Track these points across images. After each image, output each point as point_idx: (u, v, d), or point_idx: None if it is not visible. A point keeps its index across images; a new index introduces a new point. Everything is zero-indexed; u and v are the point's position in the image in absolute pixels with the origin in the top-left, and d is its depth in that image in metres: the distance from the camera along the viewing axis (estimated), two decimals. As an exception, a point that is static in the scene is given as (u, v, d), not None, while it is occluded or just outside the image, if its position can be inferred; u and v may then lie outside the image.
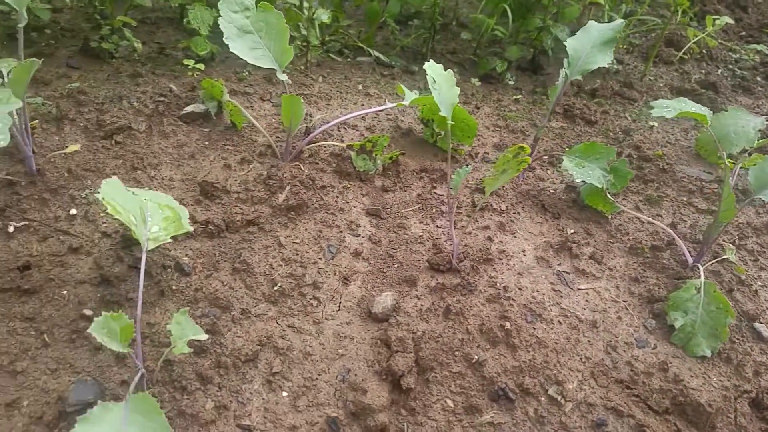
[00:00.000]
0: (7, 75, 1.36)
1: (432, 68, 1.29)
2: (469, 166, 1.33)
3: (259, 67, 1.44)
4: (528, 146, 1.22)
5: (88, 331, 0.92)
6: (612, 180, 1.60)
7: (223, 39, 1.41)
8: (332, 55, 2.31)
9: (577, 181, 1.60)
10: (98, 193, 1.06)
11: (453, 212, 1.37)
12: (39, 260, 1.24)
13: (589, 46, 1.64)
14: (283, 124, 1.50)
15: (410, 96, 1.65)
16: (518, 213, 1.61)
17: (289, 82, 1.61)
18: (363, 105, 1.96)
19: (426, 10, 2.69)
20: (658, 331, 1.33)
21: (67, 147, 1.42)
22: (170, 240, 1.09)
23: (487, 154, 1.84)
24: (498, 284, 1.37)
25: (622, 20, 1.68)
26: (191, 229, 1.14)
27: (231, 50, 1.41)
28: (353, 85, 2.11)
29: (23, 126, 1.31)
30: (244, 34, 1.43)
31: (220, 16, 1.95)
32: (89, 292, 1.21)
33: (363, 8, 2.84)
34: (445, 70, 1.35)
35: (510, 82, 2.41)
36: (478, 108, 2.13)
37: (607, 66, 1.61)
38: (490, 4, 2.68)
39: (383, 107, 1.64)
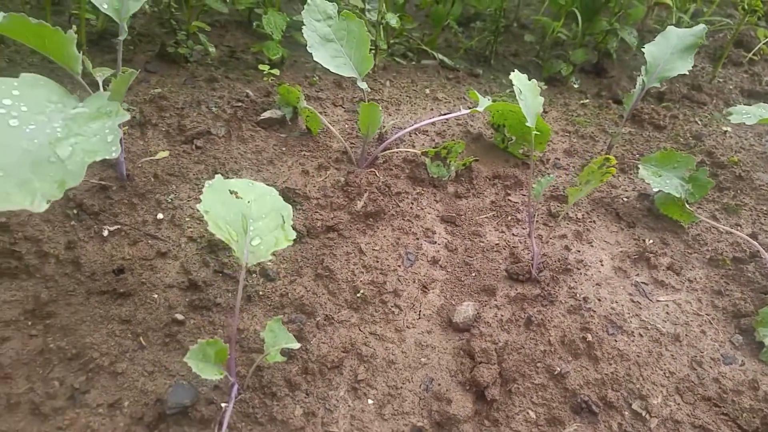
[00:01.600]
0: (103, 84, 1.39)
1: (517, 78, 1.27)
2: (551, 175, 1.30)
3: (329, 71, 1.44)
4: (612, 157, 1.18)
5: (185, 360, 0.94)
6: (691, 190, 1.54)
7: (307, 47, 1.41)
8: (397, 59, 2.30)
9: (652, 189, 1.55)
10: (202, 201, 1.05)
11: (533, 222, 1.34)
12: (131, 264, 1.26)
13: (668, 52, 1.59)
14: (360, 130, 1.49)
15: (484, 102, 1.62)
16: (593, 221, 1.57)
17: (368, 89, 1.59)
18: (432, 110, 1.94)
19: (488, 12, 2.65)
20: (746, 347, 1.28)
21: (156, 153, 1.43)
22: (271, 258, 1.08)
23: (558, 159, 1.81)
24: (578, 295, 1.34)
25: (704, 26, 1.62)
26: (293, 237, 1.10)
27: (315, 59, 1.41)
28: (420, 89, 2.10)
29: (116, 133, 1.33)
30: (327, 42, 1.43)
31: (292, 20, 1.97)
32: (178, 296, 1.23)
33: (426, 11, 2.82)
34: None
35: (575, 86, 2.36)
36: (546, 112, 2.09)
37: (687, 73, 1.56)
38: (553, 5, 2.63)
39: (457, 113, 1.62)
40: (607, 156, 1.18)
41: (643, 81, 1.61)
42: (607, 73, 2.52)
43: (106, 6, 1.16)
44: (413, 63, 2.32)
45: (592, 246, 1.49)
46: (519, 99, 1.25)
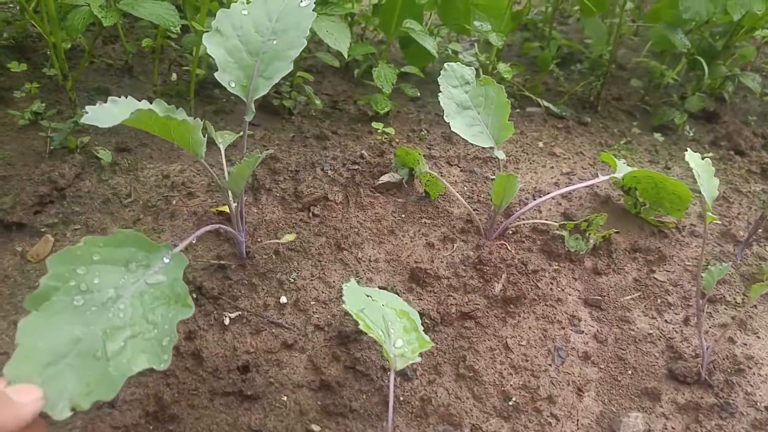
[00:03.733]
0: (224, 151, 1.25)
1: (693, 159, 1.06)
2: (726, 264, 1.08)
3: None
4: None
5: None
6: None
7: (444, 117, 1.23)
8: (504, 108, 2.11)
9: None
10: (344, 302, 0.92)
11: (702, 317, 1.13)
12: (255, 358, 1.10)
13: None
14: (493, 201, 1.30)
15: (623, 169, 1.42)
16: (755, 306, 1.34)
17: (505, 159, 1.41)
18: (552, 168, 1.74)
19: (591, 54, 2.45)
20: None
21: (281, 237, 1.28)
22: (419, 359, 0.92)
23: (694, 226, 1.58)
24: (758, 404, 1.11)
25: None
26: (432, 344, 0.96)
27: (452, 129, 1.24)
28: (532, 141, 1.90)
29: (239, 210, 1.18)
30: (463, 109, 1.25)
31: (401, 72, 1.80)
32: (309, 399, 1.06)
33: (513, 50, 2.63)
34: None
35: (689, 135, 2.12)
36: (669, 168, 1.86)
37: None
38: (658, 47, 2.40)
39: (594, 181, 1.41)
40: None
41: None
42: (719, 118, 2.27)
43: (233, 84, 1.01)
44: (518, 111, 2.13)
45: (759, 337, 1.26)
46: (699, 184, 1.04)
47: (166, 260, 0.80)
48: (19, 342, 0.63)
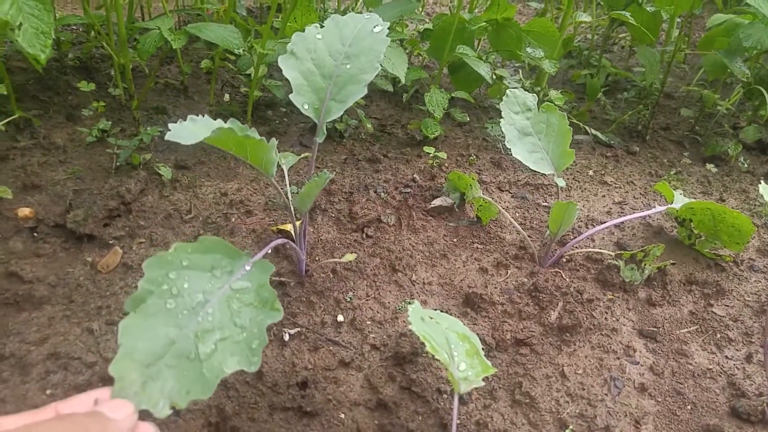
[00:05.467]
0: (287, 171, 1.29)
1: (767, 192, 1.07)
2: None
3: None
4: None
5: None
6: None
7: (505, 142, 1.26)
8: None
9: None
10: (412, 324, 0.94)
11: None
12: (314, 374, 1.13)
13: None
14: (550, 228, 1.32)
15: (681, 200, 1.42)
16: (816, 343, 1.32)
17: (564, 186, 1.43)
18: (604, 196, 1.75)
19: (640, 82, 2.46)
20: None
21: (342, 256, 1.31)
22: (482, 383, 0.94)
23: (753, 261, 1.56)
24: (823, 445, 1.10)
25: None
26: (494, 369, 0.98)
27: (513, 154, 1.26)
28: (582, 169, 1.91)
29: (303, 229, 1.22)
30: (524, 136, 1.28)
31: (451, 97, 1.84)
32: (365, 417, 1.08)
33: (559, 77, 2.65)
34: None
35: (743, 167, 2.11)
36: (723, 200, 1.85)
37: None
38: (711, 75, 2.40)
39: (651, 211, 1.42)
40: None
41: None
42: (773, 149, 2.25)
43: (306, 107, 1.06)
44: (566, 139, 2.14)
45: (822, 376, 1.24)
46: (768, 217, 1.05)
47: (248, 267, 0.84)
48: (121, 342, 0.67)
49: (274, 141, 0.98)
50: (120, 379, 0.64)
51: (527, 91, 2.07)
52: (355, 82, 1.03)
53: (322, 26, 1.10)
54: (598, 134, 2.16)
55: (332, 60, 1.06)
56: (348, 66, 1.05)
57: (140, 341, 0.68)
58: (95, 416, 0.58)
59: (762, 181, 1.10)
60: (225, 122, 0.96)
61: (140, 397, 0.65)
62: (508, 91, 1.31)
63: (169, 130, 0.89)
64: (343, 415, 1.08)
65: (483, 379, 1.15)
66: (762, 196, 1.06)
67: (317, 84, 1.06)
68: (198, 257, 0.81)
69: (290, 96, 1.05)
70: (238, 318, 0.76)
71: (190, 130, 0.94)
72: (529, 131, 1.29)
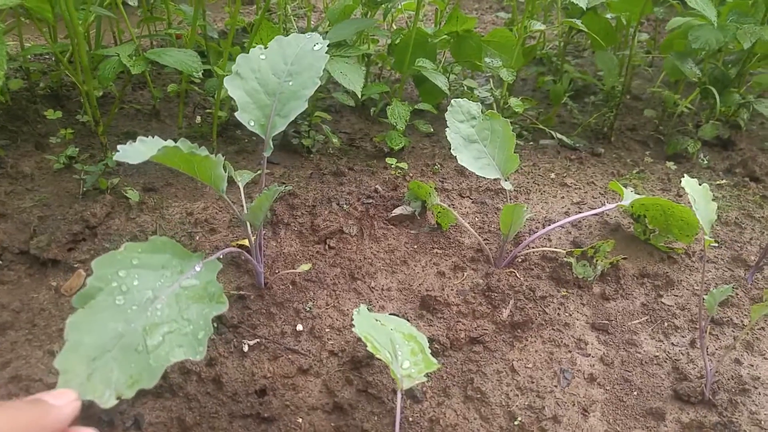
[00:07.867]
0: (244, 189, 1.35)
1: (690, 185, 1.14)
2: (729, 286, 1.14)
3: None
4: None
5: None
6: None
7: (451, 150, 1.33)
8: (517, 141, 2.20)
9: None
10: (355, 327, 1.01)
11: (705, 336, 1.18)
12: (272, 382, 1.19)
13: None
14: (501, 231, 1.38)
15: (630, 196, 1.49)
16: (762, 328, 1.38)
17: (512, 189, 1.50)
18: (563, 197, 1.82)
19: (603, 86, 2.54)
20: None
21: (298, 267, 1.38)
22: (425, 379, 1.00)
23: (704, 251, 1.63)
24: (762, 422, 1.15)
25: None
26: (438, 365, 1.04)
27: (459, 162, 1.33)
28: (544, 173, 1.98)
29: (258, 242, 1.29)
30: (470, 143, 1.35)
31: (414, 109, 1.91)
32: (322, 420, 1.14)
33: (528, 83, 2.73)
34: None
35: (703, 163, 2.18)
36: (680, 196, 1.92)
37: None
38: (672, 76, 2.48)
39: (602, 209, 1.49)
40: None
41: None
42: (735, 146, 2.33)
43: (252, 123, 1.13)
44: (531, 144, 2.22)
45: (766, 359, 1.30)
46: (695, 209, 1.11)
47: (198, 268, 0.90)
48: (67, 337, 0.73)
49: (220, 157, 1.04)
50: (64, 372, 0.70)
51: (496, 99, 2.15)
52: (297, 98, 1.10)
53: (266, 47, 1.17)
54: (564, 138, 2.23)
55: (276, 78, 1.13)
56: (290, 83, 1.12)
57: (87, 336, 0.74)
58: (37, 402, 0.62)
59: (686, 176, 1.17)
60: (193, 143, 1.03)
61: (85, 387, 0.70)
62: (453, 101, 1.38)
63: (118, 152, 0.96)
64: (300, 420, 1.14)
65: (438, 378, 1.22)
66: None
67: (262, 101, 1.12)
68: (148, 257, 0.87)
69: (236, 114, 1.11)
70: (186, 312, 0.82)
71: (138, 150, 1.01)
72: (474, 138, 1.36)
